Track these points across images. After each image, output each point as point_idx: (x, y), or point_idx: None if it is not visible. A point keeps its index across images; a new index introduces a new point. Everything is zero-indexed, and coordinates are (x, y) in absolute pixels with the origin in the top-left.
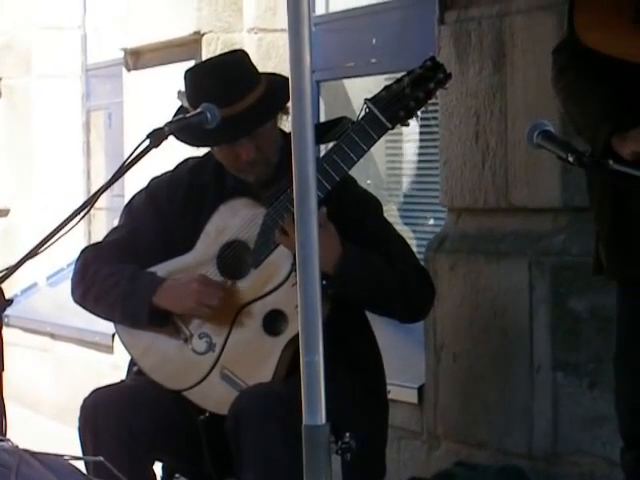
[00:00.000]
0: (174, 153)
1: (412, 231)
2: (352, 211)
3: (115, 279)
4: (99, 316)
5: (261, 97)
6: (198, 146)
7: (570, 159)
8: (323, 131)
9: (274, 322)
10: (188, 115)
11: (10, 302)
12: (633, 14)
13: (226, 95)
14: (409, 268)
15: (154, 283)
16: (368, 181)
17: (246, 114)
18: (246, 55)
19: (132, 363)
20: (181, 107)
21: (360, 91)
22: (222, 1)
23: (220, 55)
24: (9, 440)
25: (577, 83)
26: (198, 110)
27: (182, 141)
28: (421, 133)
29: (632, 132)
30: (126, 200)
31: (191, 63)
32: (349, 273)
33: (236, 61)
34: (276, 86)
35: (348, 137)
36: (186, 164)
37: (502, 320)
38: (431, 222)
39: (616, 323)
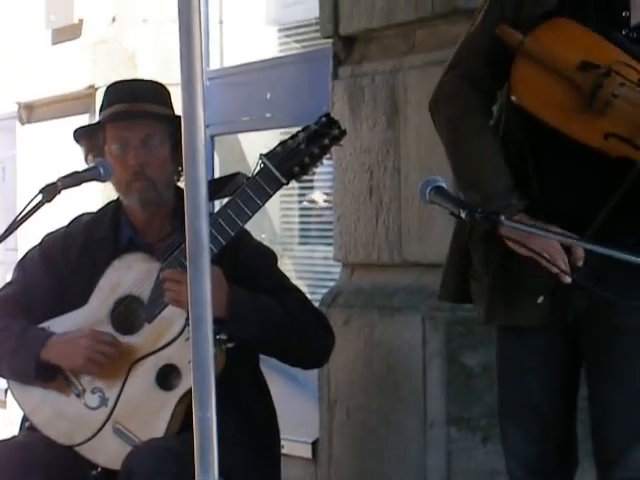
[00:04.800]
0: (69, 207)
1: (306, 286)
2: (248, 264)
3: (5, 334)
4: None
5: (165, 114)
6: (94, 130)
7: (462, 215)
8: (218, 186)
9: (168, 377)
10: (81, 170)
11: None
12: (588, 91)
13: (133, 93)
14: (306, 313)
15: (42, 338)
16: (262, 235)
17: (145, 111)
18: (166, 88)
19: (25, 418)
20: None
21: (255, 146)
22: (117, 55)
23: None
24: None
25: (481, 139)
26: (91, 165)
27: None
28: (316, 188)
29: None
30: (20, 254)
31: (85, 117)
32: (240, 314)
33: (155, 83)
34: None
35: (243, 192)
36: (80, 219)
37: (396, 375)
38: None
39: (497, 375)
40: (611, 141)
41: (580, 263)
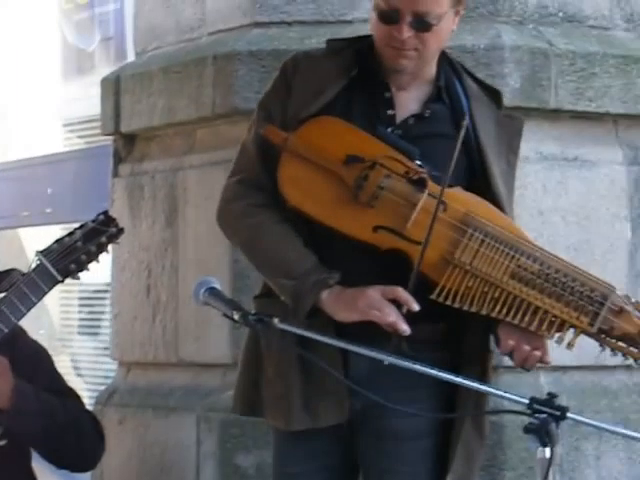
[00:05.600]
0: None
1: (84, 382)
2: (23, 363)
3: None
4: None
5: None
6: None
7: (235, 317)
8: None
9: None
10: None
11: None
12: (353, 184)
13: None
14: (83, 416)
15: None
16: (41, 331)
17: None
18: None
19: None
20: None
21: (35, 240)
22: None
23: None
24: None
25: (276, 228)
26: None
27: None
28: (96, 284)
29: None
30: None
31: None
32: (23, 406)
33: None
34: None
35: (18, 289)
36: None
37: (169, 476)
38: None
39: (272, 477)
40: (380, 233)
41: (416, 307)
